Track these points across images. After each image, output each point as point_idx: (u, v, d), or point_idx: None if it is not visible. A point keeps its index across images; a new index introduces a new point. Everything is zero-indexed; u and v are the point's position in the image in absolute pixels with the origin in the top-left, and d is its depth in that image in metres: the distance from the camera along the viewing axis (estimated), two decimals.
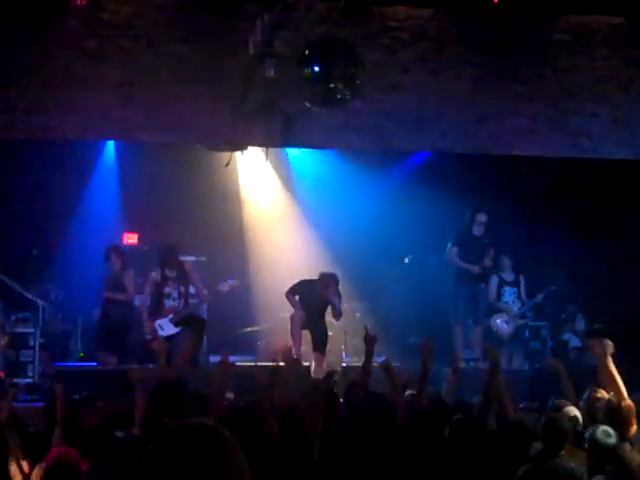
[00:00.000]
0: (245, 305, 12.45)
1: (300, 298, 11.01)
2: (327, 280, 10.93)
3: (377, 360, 11.33)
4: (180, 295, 10.45)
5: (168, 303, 10.40)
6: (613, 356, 6.58)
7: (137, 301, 10.98)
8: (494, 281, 11.87)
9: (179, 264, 10.60)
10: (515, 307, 11.84)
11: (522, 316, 11.94)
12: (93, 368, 10.51)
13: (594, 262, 12.97)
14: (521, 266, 12.01)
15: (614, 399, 6.07)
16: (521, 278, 11.92)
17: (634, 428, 5.76)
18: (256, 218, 12.71)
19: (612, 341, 6.52)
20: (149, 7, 9.84)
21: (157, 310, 10.41)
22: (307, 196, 12.93)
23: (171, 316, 10.34)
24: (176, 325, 10.35)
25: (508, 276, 11.89)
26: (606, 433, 5.07)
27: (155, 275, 10.45)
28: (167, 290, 10.40)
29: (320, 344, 10.97)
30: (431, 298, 12.71)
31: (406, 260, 13.27)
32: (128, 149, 12.13)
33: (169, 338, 10.29)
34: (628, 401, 5.99)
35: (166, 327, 10.33)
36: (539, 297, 12.02)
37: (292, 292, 11.04)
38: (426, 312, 12.64)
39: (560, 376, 7.04)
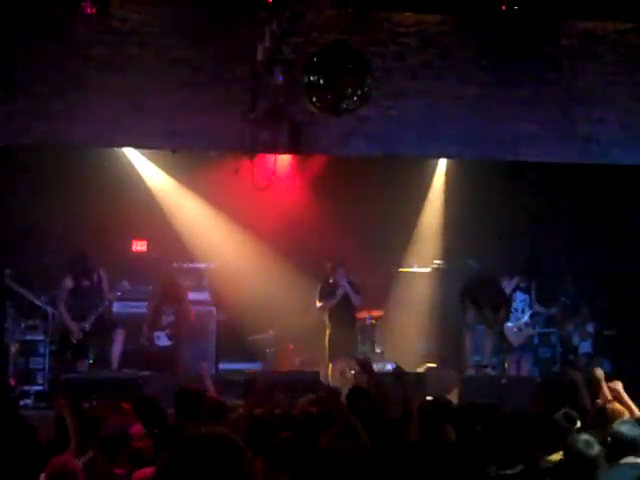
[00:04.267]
0: (254, 312, 12.44)
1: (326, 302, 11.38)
2: (332, 265, 11.39)
3: (387, 367, 11.49)
4: (174, 313, 11.36)
5: (164, 319, 11.35)
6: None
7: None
8: (511, 283, 11.78)
9: (177, 287, 11.55)
10: (525, 316, 11.77)
11: (532, 326, 11.86)
12: (101, 376, 10.51)
13: (605, 268, 12.93)
14: (533, 271, 11.95)
15: (601, 402, 6.21)
16: (533, 285, 11.83)
17: None
18: (265, 224, 12.70)
19: (621, 347, 6.59)
20: (157, 15, 9.88)
21: (155, 322, 11.30)
22: (313, 201, 12.91)
23: (167, 331, 11.30)
24: (170, 339, 11.29)
25: (522, 280, 11.80)
26: (588, 444, 5.00)
27: (156, 290, 11.53)
28: (164, 307, 11.37)
29: (348, 350, 11.10)
30: (441, 304, 12.69)
31: (415, 267, 13.24)
32: (138, 155, 12.15)
33: (163, 349, 11.22)
34: (617, 405, 6.08)
35: (162, 339, 11.29)
36: (553, 310, 11.96)
37: (319, 299, 11.39)
38: (435, 318, 12.61)
39: (577, 386, 7.06)
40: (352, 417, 5.26)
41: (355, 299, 11.46)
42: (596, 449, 4.81)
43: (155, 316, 11.30)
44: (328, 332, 11.37)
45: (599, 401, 6.40)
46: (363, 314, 11.88)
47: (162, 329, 11.27)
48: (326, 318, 11.46)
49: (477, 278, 12.16)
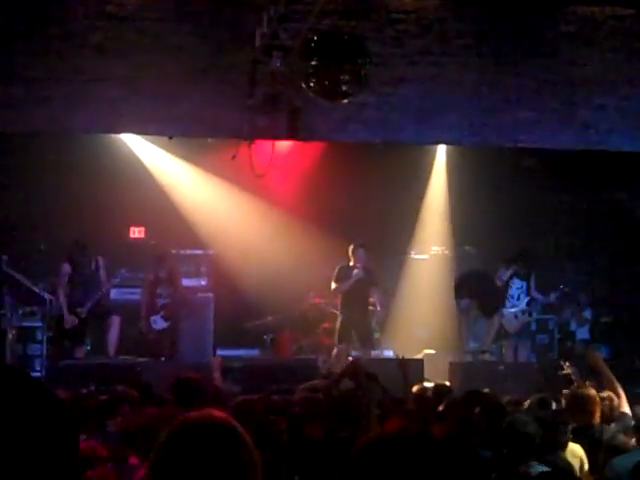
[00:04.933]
0: (252, 298, 12.45)
1: (341, 284, 11.22)
2: (353, 247, 11.14)
3: (384, 354, 11.52)
4: (169, 295, 11.40)
5: (160, 302, 11.39)
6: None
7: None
8: (508, 271, 11.75)
9: (170, 267, 11.56)
10: (522, 303, 11.76)
11: (529, 313, 11.85)
12: (99, 362, 10.53)
13: (603, 254, 12.95)
14: (533, 258, 11.93)
15: (577, 389, 6.28)
16: (532, 272, 11.80)
17: (597, 416, 6.01)
18: (263, 211, 12.69)
19: (618, 335, 6.67)
20: (156, 0, 9.83)
21: (151, 307, 11.37)
22: (314, 189, 12.89)
23: (162, 313, 11.35)
24: (166, 320, 11.33)
25: (520, 268, 11.77)
26: (524, 423, 5.16)
27: (149, 276, 11.53)
28: (159, 290, 11.41)
29: (366, 338, 11.11)
30: (440, 291, 12.69)
31: (413, 254, 13.25)
32: (136, 141, 12.12)
33: (161, 332, 11.28)
34: (592, 391, 6.18)
35: (159, 322, 11.31)
36: (552, 298, 11.94)
37: (336, 282, 11.19)
38: (435, 305, 12.61)
39: (571, 379, 7.14)
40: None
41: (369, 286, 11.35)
42: (532, 428, 5.03)
43: (151, 301, 11.36)
44: (340, 317, 11.24)
45: (573, 387, 6.47)
46: None
47: (157, 312, 11.32)
48: (339, 302, 11.36)
49: (471, 274, 12.18)
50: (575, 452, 5.53)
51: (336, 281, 11.19)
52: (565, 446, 5.43)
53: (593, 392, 6.20)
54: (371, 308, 12.02)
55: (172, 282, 11.48)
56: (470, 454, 4.91)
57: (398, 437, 1.70)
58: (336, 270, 11.21)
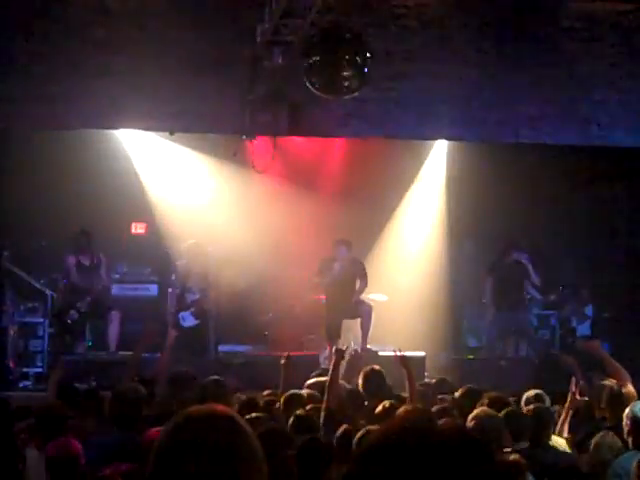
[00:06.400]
0: (254, 294, 12.44)
1: (321, 279, 11.13)
2: (335, 242, 11.03)
3: (386, 350, 11.50)
4: (200, 290, 11.00)
5: (190, 297, 10.99)
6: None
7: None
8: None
9: (204, 261, 11.18)
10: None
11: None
12: (100, 358, 10.54)
13: (605, 250, 12.93)
14: (534, 256, 11.93)
15: (616, 386, 6.22)
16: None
17: None
18: (265, 206, 12.68)
19: (620, 331, 6.69)
20: None
21: (180, 302, 10.99)
22: (314, 185, 12.89)
23: (192, 309, 10.94)
24: (196, 318, 10.93)
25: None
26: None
27: (182, 270, 11.14)
28: (189, 285, 11.02)
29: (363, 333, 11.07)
30: (438, 285, 12.69)
31: (412, 250, 13.25)
32: (136, 137, 12.11)
33: (189, 329, 10.83)
34: (629, 388, 6.15)
35: (187, 319, 10.93)
36: (550, 298, 11.96)
37: (318, 275, 11.11)
38: (432, 299, 12.61)
39: (573, 370, 7.14)
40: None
41: (358, 283, 11.15)
42: (498, 421, 5.28)
43: (180, 297, 11.00)
44: (326, 315, 11.23)
45: (608, 383, 6.43)
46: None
47: (186, 308, 10.98)
48: (325, 298, 11.31)
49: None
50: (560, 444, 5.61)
51: (318, 274, 11.13)
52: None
53: (631, 390, 6.17)
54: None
55: (206, 278, 11.10)
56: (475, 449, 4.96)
57: (408, 430, 1.69)
58: (319, 263, 11.14)
